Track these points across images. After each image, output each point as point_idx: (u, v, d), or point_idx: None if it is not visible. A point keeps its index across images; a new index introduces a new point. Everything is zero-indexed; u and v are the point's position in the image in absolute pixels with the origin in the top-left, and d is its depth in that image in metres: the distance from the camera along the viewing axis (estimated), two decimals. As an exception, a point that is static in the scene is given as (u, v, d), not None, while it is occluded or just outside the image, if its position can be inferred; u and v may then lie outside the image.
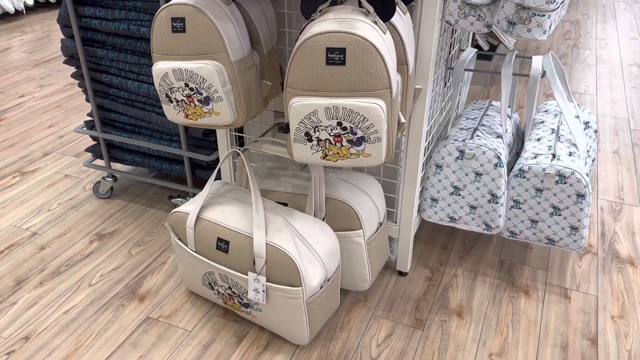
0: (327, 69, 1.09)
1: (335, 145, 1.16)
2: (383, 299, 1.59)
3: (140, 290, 1.62)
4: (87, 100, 1.92)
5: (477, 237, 1.83)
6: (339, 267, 1.41)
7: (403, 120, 1.24)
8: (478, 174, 1.49)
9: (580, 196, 1.44)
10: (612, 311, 1.55)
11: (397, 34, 1.20)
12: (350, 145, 1.15)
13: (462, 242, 1.81)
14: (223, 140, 1.69)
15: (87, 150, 2.05)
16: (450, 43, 1.71)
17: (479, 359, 1.40)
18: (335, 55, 1.07)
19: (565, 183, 1.43)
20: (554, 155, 1.46)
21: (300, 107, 1.12)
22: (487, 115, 1.68)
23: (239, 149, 1.40)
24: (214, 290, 1.46)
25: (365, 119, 1.11)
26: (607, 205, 2.01)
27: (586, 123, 1.70)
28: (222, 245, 1.36)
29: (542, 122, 1.68)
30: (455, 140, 1.52)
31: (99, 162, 2.18)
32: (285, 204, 1.48)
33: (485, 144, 1.48)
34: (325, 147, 1.16)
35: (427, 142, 1.58)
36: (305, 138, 1.16)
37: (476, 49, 1.69)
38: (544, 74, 1.49)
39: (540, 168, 1.45)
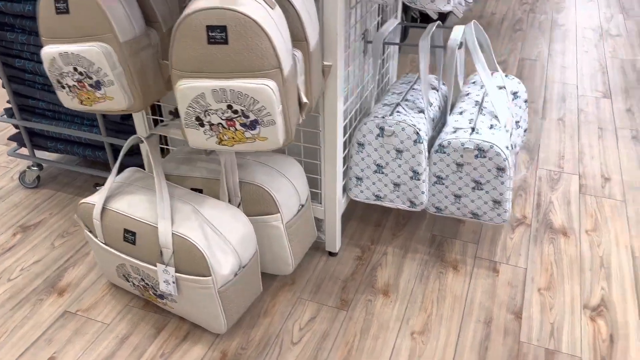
0: (210, 48, 1.02)
1: (229, 129, 1.10)
2: (311, 281, 1.56)
3: (60, 283, 1.56)
4: (3, 86, 1.83)
5: (411, 214, 1.80)
6: (256, 253, 1.37)
7: (305, 100, 1.18)
8: (399, 151, 1.45)
9: (501, 169, 1.40)
10: (539, 283, 1.54)
11: (293, 8, 1.13)
12: (244, 129, 1.09)
13: (396, 219, 1.78)
14: (140, 124, 1.62)
15: (10, 138, 1.96)
16: (378, 14, 1.65)
17: (400, 338, 1.38)
18: (217, 34, 1.01)
19: (484, 157, 1.40)
20: (473, 129, 1.42)
21: (187, 89, 1.06)
22: (413, 89, 1.63)
23: (142, 137, 1.33)
24: (129, 282, 1.41)
25: (256, 101, 1.05)
26: (546, 175, 1.99)
27: (514, 93, 1.65)
28: (129, 236, 1.30)
29: (468, 94, 1.63)
30: (375, 117, 1.47)
31: (24, 150, 2.10)
32: (200, 190, 1.43)
33: (404, 120, 1.43)
34: (219, 132, 1.11)
35: (347, 120, 1.53)
36: (197, 123, 1.10)
37: (399, 21, 1.63)
38: (461, 44, 1.43)
39: (459, 143, 1.41)
